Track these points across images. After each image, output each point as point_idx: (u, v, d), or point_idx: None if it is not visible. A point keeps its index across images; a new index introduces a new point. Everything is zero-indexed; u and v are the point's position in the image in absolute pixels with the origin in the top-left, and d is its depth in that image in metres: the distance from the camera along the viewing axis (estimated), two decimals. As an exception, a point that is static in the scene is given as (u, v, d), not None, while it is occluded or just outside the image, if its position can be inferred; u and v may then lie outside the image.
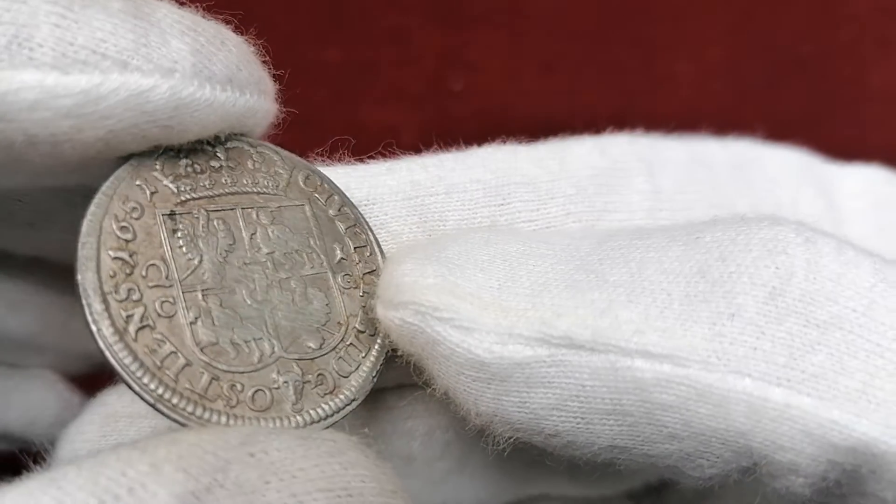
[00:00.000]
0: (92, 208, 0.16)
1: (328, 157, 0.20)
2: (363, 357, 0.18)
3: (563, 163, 0.20)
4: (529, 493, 0.21)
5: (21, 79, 0.14)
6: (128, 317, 0.16)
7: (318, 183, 0.19)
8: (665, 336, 0.15)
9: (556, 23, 0.38)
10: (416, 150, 0.20)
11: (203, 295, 0.17)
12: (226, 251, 0.18)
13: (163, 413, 0.16)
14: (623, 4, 0.38)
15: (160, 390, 0.16)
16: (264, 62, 0.17)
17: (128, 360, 0.16)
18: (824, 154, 0.24)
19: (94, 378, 0.18)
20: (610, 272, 0.16)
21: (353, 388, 0.18)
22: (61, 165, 0.16)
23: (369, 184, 0.19)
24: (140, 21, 0.15)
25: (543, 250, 0.17)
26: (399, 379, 0.19)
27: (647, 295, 0.15)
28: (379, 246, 0.19)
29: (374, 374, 0.18)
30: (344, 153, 0.20)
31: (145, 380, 0.16)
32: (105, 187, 0.17)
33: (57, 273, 0.22)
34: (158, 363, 0.16)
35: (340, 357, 0.18)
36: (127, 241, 0.17)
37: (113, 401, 0.19)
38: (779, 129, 0.24)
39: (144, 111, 0.15)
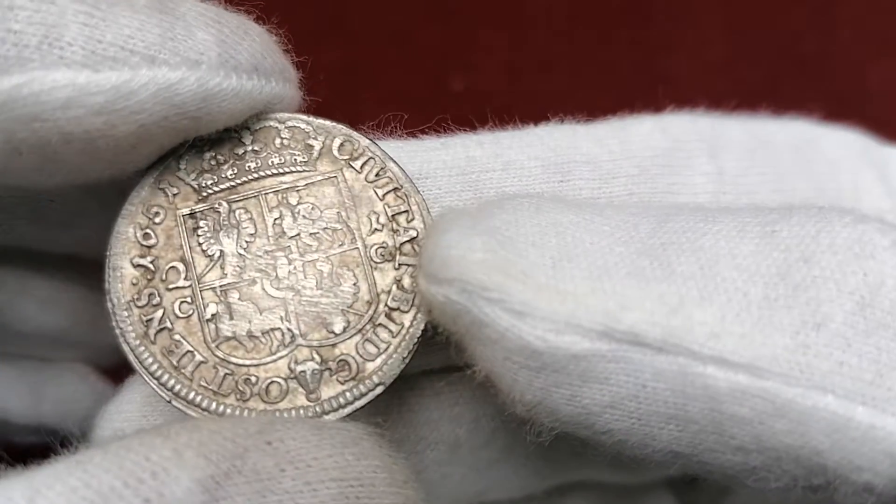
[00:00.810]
0: (118, 220, 0.17)
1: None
2: (393, 338, 0.17)
3: (624, 142, 0.20)
4: (570, 479, 0.21)
5: (53, 78, 0.14)
6: (147, 321, 0.17)
7: (355, 147, 0.18)
8: (743, 343, 0.14)
9: (556, 23, 0.38)
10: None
11: (221, 290, 0.17)
12: (247, 241, 0.18)
13: (179, 409, 0.17)
14: (623, 4, 0.38)
15: (177, 387, 0.17)
16: (286, 51, 0.18)
17: (148, 361, 0.17)
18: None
19: (125, 369, 0.18)
20: (677, 261, 0.15)
21: (379, 373, 0.17)
22: (95, 162, 0.16)
23: (422, 158, 0.19)
24: (165, 15, 0.16)
25: (599, 224, 0.15)
26: (444, 361, 0.19)
27: (721, 293, 0.14)
28: (426, 209, 0.18)
29: (405, 356, 0.17)
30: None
31: (164, 378, 0.17)
32: (130, 198, 0.18)
33: (87, 268, 0.22)
34: (175, 363, 0.17)
35: (367, 339, 0.17)
36: (149, 247, 0.17)
37: None
38: (779, 129, 0.24)
39: (174, 104, 0.16)
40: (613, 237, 0.15)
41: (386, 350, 0.17)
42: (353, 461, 0.15)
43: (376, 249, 0.18)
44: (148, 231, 0.17)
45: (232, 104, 0.16)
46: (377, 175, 0.18)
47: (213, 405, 0.17)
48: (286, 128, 0.18)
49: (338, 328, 0.17)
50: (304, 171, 0.18)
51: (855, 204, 0.21)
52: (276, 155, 0.18)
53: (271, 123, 0.18)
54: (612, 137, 0.20)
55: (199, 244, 0.18)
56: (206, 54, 0.16)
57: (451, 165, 0.19)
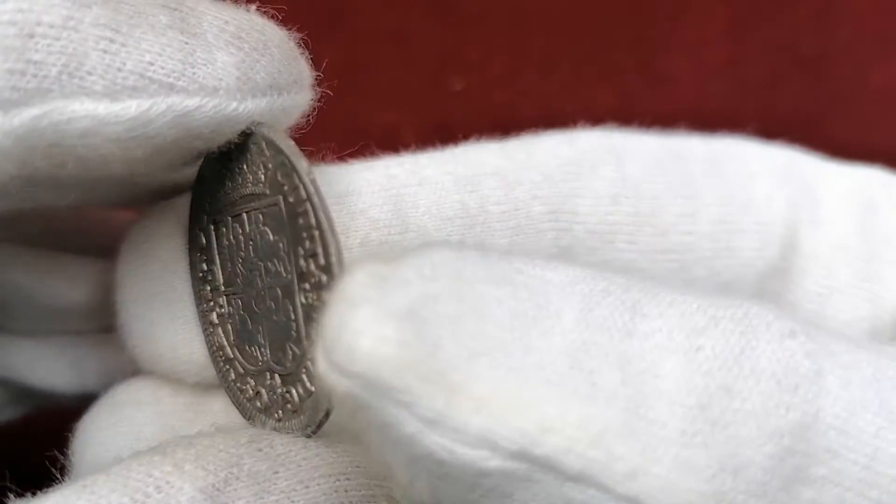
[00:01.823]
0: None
1: (326, 156, 0.21)
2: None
3: (530, 154, 0.20)
4: None
5: (72, 109, 0.14)
6: (210, 322, 0.19)
7: (289, 173, 0.18)
8: (659, 485, 0.13)
9: (556, 23, 0.38)
10: (416, 149, 0.21)
11: (231, 299, 0.19)
12: (240, 258, 0.18)
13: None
14: (623, 4, 0.38)
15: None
16: (301, 48, 0.18)
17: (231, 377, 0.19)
18: (824, 154, 0.24)
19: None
20: (599, 371, 0.13)
21: (306, 416, 0.17)
22: (107, 179, 0.17)
23: (349, 179, 0.20)
24: (186, 36, 0.16)
25: (522, 302, 0.14)
26: None
27: (643, 424, 0.13)
28: (335, 254, 0.16)
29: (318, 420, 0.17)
30: (349, 153, 0.21)
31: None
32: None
33: (112, 240, 0.23)
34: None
35: (304, 376, 0.17)
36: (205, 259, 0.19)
37: (119, 392, 0.21)
38: (779, 128, 0.24)
39: (189, 128, 0.16)
40: (536, 326, 0.14)
41: (312, 396, 0.17)
42: (337, 458, 0.16)
43: (305, 287, 0.17)
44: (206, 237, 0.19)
45: (245, 124, 0.17)
46: (302, 206, 0.17)
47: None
48: (253, 142, 0.18)
49: (287, 360, 0.17)
50: (262, 193, 0.18)
51: (762, 216, 0.21)
52: (253, 172, 0.18)
53: (249, 138, 0.18)
54: (519, 150, 0.20)
55: (218, 254, 0.19)
56: (224, 80, 0.16)
57: (373, 182, 0.20)
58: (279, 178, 0.17)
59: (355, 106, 0.34)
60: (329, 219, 0.16)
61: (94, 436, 0.20)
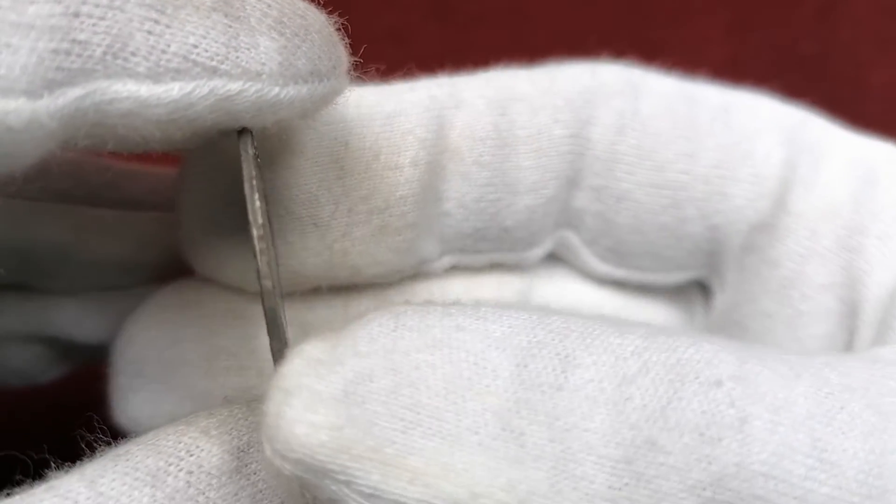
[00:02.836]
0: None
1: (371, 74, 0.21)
2: None
3: (554, 80, 0.22)
4: None
5: (115, 89, 0.14)
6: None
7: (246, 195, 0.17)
8: None
9: (556, 23, 0.38)
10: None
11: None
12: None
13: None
14: (623, 4, 0.38)
15: None
16: (340, 30, 0.18)
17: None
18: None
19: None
20: (529, 431, 0.14)
21: None
22: (146, 154, 0.17)
23: (396, 99, 0.21)
24: (230, 19, 0.15)
25: (457, 364, 0.14)
26: None
27: (570, 482, 0.14)
28: (272, 268, 0.16)
29: None
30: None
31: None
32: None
33: (147, 195, 0.24)
34: None
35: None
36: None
37: (164, 294, 0.22)
38: (779, 129, 0.24)
39: (229, 113, 0.16)
40: (470, 388, 0.14)
41: None
42: None
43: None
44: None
45: (285, 111, 0.16)
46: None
47: None
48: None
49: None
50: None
51: (758, 169, 0.21)
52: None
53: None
54: (545, 77, 0.22)
55: None
56: (267, 65, 0.16)
57: (417, 103, 0.21)
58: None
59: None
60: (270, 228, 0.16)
61: (136, 335, 0.21)
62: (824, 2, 0.38)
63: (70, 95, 0.14)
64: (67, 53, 0.14)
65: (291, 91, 0.16)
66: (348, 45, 0.18)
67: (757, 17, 0.38)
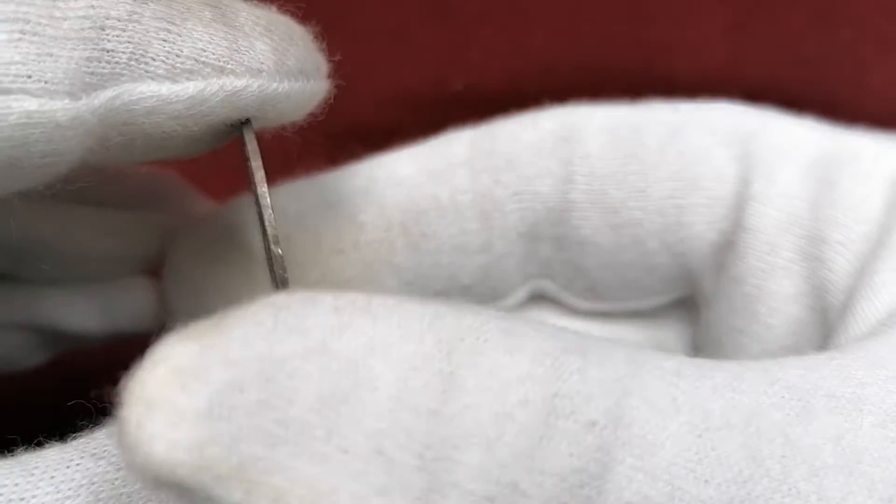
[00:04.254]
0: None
1: (330, 156, 0.23)
2: None
3: (495, 140, 0.23)
4: None
5: (140, 90, 0.17)
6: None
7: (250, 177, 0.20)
8: None
9: (556, 23, 0.38)
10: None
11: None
12: None
13: None
14: (623, 4, 0.38)
15: None
16: (316, 38, 0.20)
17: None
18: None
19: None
20: (399, 457, 0.13)
21: None
22: (168, 151, 0.19)
23: (338, 187, 0.23)
24: (228, 28, 0.18)
25: (336, 375, 0.14)
26: None
27: None
28: (276, 263, 0.19)
29: None
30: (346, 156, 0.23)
31: None
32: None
33: (132, 195, 0.26)
34: None
35: None
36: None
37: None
38: (779, 129, 0.24)
39: (237, 107, 0.18)
40: (345, 402, 0.14)
41: None
42: None
43: None
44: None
45: (282, 104, 0.19)
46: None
47: None
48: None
49: None
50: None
51: (712, 191, 0.21)
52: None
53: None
54: (486, 138, 0.23)
55: None
56: (265, 63, 0.18)
57: (358, 189, 0.22)
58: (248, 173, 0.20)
59: (355, 106, 0.34)
60: (271, 226, 0.18)
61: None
62: (824, 2, 0.38)
63: (103, 97, 0.16)
64: (98, 60, 0.16)
65: (286, 86, 0.18)
66: (326, 50, 0.20)
67: (757, 17, 0.38)
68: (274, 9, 0.19)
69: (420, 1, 0.37)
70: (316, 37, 0.20)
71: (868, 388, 0.16)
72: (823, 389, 0.15)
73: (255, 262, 0.22)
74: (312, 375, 0.14)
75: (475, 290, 0.23)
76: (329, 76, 0.20)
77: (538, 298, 0.24)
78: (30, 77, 0.15)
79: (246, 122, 0.19)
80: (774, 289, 0.21)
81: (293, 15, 0.20)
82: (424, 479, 0.13)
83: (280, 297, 0.14)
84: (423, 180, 0.22)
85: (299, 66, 0.19)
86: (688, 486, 0.14)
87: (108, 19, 0.16)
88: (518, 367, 0.14)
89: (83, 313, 0.25)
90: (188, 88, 0.17)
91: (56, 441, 0.17)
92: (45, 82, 0.15)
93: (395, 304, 0.15)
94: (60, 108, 0.16)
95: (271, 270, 0.19)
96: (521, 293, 0.24)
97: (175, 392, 0.13)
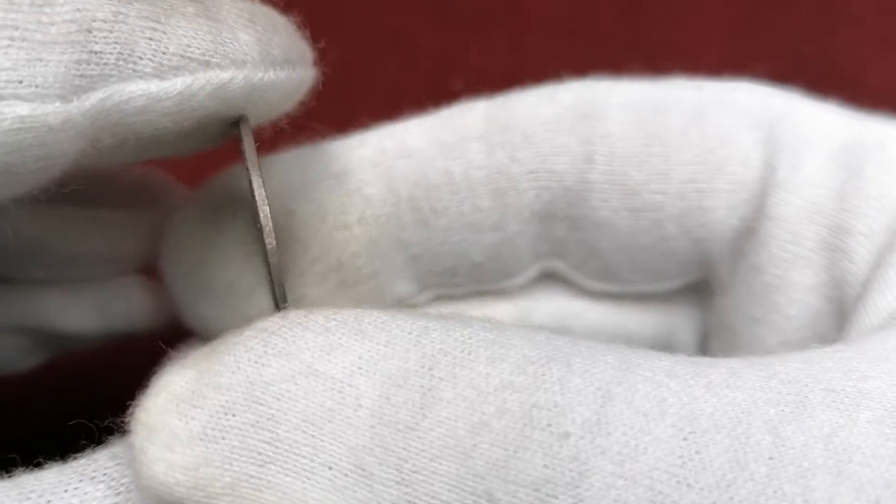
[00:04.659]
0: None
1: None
2: None
3: (511, 114, 0.22)
4: None
5: (130, 90, 0.17)
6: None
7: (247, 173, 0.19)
8: None
9: (556, 23, 0.38)
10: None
11: None
12: None
13: None
14: (623, 5, 0.38)
15: None
16: (301, 28, 0.20)
17: None
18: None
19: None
20: (379, 471, 0.14)
21: None
22: (161, 148, 0.19)
23: (345, 157, 0.22)
24: (211, 21, 0.18)
25: (321, 395, 0.15)
26: None
27: None
28: (270, 256, 0.19)
29: None
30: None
31: None
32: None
33: (123, 195, 0.25)
34: None
35: None
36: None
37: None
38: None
39: (224, 99, 0.18)
40: (330, 420, 0.14)
41: None
42: None
43: None
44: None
45: (269, 94, 0.19)
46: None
47: None
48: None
49: None
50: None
51: (736, 176, 0.21)
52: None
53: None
54: (502, 111, 0.22)
55: None
56: (249, 54, 0.18)
57: (366, 159, 0.22)
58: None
59: (355, 106, 0.34)
60: (266, 216, 0.18)
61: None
62: (824, 2, 0.38)
63: (94, 98, 0.16)
64: (87, 63, 0.16)
65: (272, 75, 0.18)
66: (309, 41, 0.20)
67: (757, 17, 0.38)
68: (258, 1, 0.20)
69: (420, 1, 0.37)
70: (300, 26, 0.20)
71: (870, 382, 0.15)
72: (823, 383, 0.15)
73: (255, 229, 0.22)
74: (298, 396, 0.14)
75: (485, 267, 0.22)
76: (315, 64, 0.20)
77: (548, 277, 0.24)
78: (21, 82, 0.15)
79: (242, 120, 0.19)
80: (795, 279, 0.21)
81: (278, 5, 0.19)
82: (403, 492, 0.14)
83: (272, 322, 0.15)
84: (435, 153, 0.22)
85: (284, 55, 0.19)
86: (669, 490, 0.14)
87: (94, 21, 0.16)
88: (499, 377, 0.14)
89: (78, 314, 0.25)
90: (176, 84, 0.17)
91: (57, 459, 0.16)
92: (36, 87, 0.15)
93: (385, 322, 0.15)
94: (52, 111, 0.16)
95: (269, 276, 0.18)
96: (531, 272, 0.23)
97: (172, 418, 0.14)
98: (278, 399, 0.14)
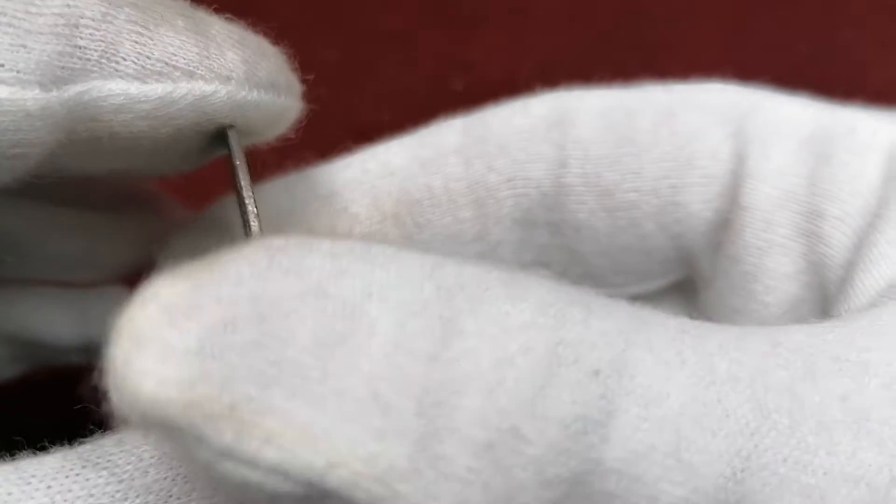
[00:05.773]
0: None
1: (329, 156, 0.23)
2: None
3: (486, 127, 0.22)
4: None
5: (109, 88, 0.17)
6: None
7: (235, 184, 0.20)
8: None
9: (556, 23, 0.38)
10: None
11: None
12: None
13: None
14: (623, 5, 0.38)
15: None
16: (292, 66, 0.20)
17: None
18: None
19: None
20: (396, 401, 0.13)
21: None
22: (137, 156, 0.19)
23: (330, 180, 0.22)
24: (200, 36, 0.18)
25: (331, 318, 0.13)
26: None
27: (431, 459, 0.13)
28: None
29: None
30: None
31: None
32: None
33: (102, 198, 0.25)
34: None
35: None
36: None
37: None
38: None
39: (206, 112, 0.18)
40: (342, 345, 0.13)
41: None
42: None
43: None
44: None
45: (253, 114, 0.19)
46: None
47: None
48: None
49: None
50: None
51: (707, 170, 0.21)
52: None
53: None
54: (477, 125, 0.22)
55: None
56: (234, 71, 0.18)
57: (350, 181, 0.22)
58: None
59: (355, 106, 0.34)
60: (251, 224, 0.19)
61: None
62: (824, 2, 0.38)
63: (73, 91, 0.17)
64: (70, 56, 0.17)
65: (256, 95, 0.19)
66: (308, 62, 0.21)
67: (757, 18, 0.38)
68: (249, 29, 0.20)
69: (420, 2, 0.37)
70: (289, 60, 0.20)
71: (873, 353, 0.15)
72: (828, 353, 0.15)
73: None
74: (308, 316, 0.13)
75: None
76: (303, 99, 0.20)
77: None
78: (2, 66, 0.16)
79: (229, 129, 0.19)
80: (771, 266, 0.21)
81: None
82: (422, 424, 0.13)
83: (276, 240, 0.14)
84: (416, 170, 0.22)
85: (270, 79, 0.19)
86: (695, 436, 0.14)
87: (82, 18, 0.17)
88: (521, 315, 0.14)
89: (56, 319, 0.25)
90: (156, 90, 0.17)
91: (64, 444, 0.16)
92: (18, 72, 0.16)
93: (394, 253, 0.14)
94: (31, 97, 0.16)
95: None
96: None
97: (165, 329, 0.13)
98: (286, 317, 0.13)
